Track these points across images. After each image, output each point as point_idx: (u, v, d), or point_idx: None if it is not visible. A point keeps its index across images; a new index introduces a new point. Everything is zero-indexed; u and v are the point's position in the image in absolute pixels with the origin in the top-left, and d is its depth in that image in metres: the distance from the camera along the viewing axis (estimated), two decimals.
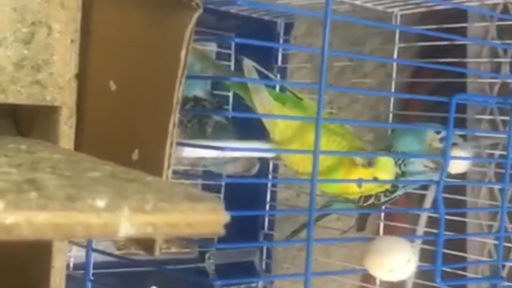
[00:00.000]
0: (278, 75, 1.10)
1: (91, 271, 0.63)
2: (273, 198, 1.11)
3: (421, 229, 1.01)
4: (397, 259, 0.55)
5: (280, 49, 1.13)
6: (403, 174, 0.88)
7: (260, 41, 0.61)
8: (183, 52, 0.43)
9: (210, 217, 0.34)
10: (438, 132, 0.84)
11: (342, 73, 1.29)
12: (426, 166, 0.86)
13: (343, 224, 1.02)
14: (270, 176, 1.06)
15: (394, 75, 1.05)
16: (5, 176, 0.34)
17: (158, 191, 0.35)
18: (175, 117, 0.44)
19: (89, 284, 0.63)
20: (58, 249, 0.54)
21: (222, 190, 1.03)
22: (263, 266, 1.09)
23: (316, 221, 0.97)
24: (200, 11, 0.42)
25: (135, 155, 0.47)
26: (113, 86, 0.51)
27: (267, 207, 1.09)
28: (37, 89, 0.54)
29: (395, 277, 0.57)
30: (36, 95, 0.54)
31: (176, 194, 0.34)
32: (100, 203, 0.31)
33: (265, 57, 1.05)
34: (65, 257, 0.55)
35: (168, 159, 0.44)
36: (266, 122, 0.78)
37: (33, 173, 0.36)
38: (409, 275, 0.57)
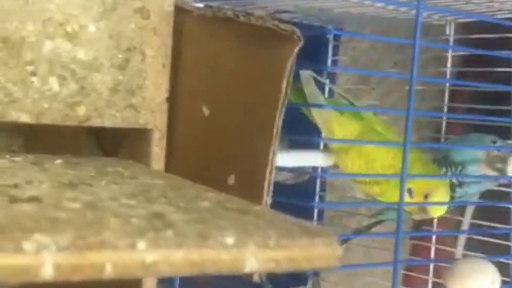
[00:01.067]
0: (327, 81, 1.12)
1: None
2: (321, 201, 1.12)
3: (460, 250, 1.01)
4: (481, 281, 0.55)
5: (330, 55, 1.14)
6: (461, 184, 0.88)
7: (311, 46, 0.62)
8: (284, 84, 0.44)
9: (327, 251, 0.35)
10: (494, 141, 0.85)
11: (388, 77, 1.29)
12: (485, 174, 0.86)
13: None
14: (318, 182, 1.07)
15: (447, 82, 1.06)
16: (131, 210, 0.36)
17: (275, 225, 0.36)
18: (274, 146, 0.45)
19: None
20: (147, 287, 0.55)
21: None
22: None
23: (368, 228, 0.98)
24: (301, 43, 0.44)
25: (231, 180, 0.49)
26: (206, 111, 0.53)
27: (315, 211, 1.10)
28: (131, 113, 0.56)
29: None
30: (130, 118, 0.56)
31: (294, 228, 0.36)
32: (229, 240, 0.33)
33: (315, 63, 1.06)
34: None
35: (268, 187, 0.45)
36: (324, 130, 0.79)
37: (152, 205, 0.38)
38: None
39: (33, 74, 0.51)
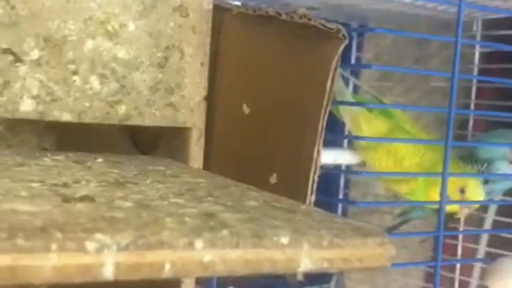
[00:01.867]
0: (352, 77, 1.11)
1: None
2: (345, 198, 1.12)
3: (482, 247, 1.00)
4: None
5: (354, 50, 1.14)
6: (487, 182, 0.87)
7: None
8: (329, 82, 0.44)
9: (380, 251, 0.35)
10: None
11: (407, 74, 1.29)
12: None
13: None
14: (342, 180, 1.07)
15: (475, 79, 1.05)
16: (181, 209, 0.36)
17: (327, 224, 0.36)
18: (319, 145, 0.45)
19: None
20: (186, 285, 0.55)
21: None
22: None
23: (394, 228, 0.98)
24: (346, 41, 0.44)
25: (273, 179, 0.49)
26: (246, 109, 0.52)
27: (340, 208, 1.09)
28: (170, 112, 0.56)
29: None
30: (169, 117, 0.56)
31: (346, 228, 0.36)
32: (284, 240, 0.33)
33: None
34: None
35: (312, 186, 0.45)
36: (352, 127, 0.79)
37: (201, 204, 0.38)
38: None
39: (75, 73, 0.51)
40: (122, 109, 0.54)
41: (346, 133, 0.82)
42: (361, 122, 0.92)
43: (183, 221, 0.33)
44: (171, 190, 0.42)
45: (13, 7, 0.49)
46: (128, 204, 0.36)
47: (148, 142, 0.65)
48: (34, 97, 0.50)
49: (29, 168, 0.45)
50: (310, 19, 0.45)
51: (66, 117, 0.51)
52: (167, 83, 0.55)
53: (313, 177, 0.45)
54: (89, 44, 0.52)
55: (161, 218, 0.33)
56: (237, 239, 0.32)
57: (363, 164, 0.98)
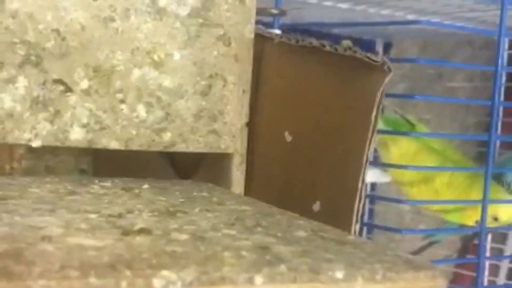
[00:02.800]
0: None
1: None
2: (370, 216, 1.13)
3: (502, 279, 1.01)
4: None
5: None
6: None
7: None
8: (373, 114, 0.45)
9: (431, 285, 0.36)
10: None
11: (432, 84, 1.30)
12: None
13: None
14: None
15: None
16: (235, 241, 0.37)
17: (378, 257, 0.37)
18: (364, 175, 0.46)
19: None
20: None
21: None
22: None
23: (422, 250, 0.98)
24: (391, 74, 0.44)
25: (316, 207, 0.49)
26: (288, 137, 0.53)
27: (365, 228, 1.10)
28: (213, 138, 0.57)
29: None
30: (212, 143, 0.57)
31: (398, 261, 0.36)
32: (339, 274, 0.33)
33: None
34: None
35: (357, 215, 0.46)
36: (380, 147, 0.80)
37: (253, 236, 0.39)
38: None
39: (122, 101, 0.53)
40: (167, 136, 0.55)
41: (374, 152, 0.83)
42: (389, 141, 0.93)
43: (241, 255, 0.34)
44: (220, 220, 0.43)
45: (63, 39, 0.50)
46: (184, 236, 0.37)
47: (188, 166, 0.66)
48: (83, 126, 0.51)
49: (81, 197, 0.46)
50: (355, 52, 0.46)
51: (114, 144, 0.53)
52: (210, 111, 0.56)
53: (358, 206, 0.46)
54: (136, 73, 0.53)
55: (220, 252, 0.34)
56: (294, 274, 0.32)
57: (393, 183, 0.99)
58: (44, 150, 0.69)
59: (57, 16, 0.50)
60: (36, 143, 0.50)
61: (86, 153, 0.72)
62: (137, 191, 0.51)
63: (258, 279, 0.31)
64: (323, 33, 1.11)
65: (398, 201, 0.73)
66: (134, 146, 0.54)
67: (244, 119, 0.58)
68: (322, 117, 0.50)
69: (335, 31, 1.10)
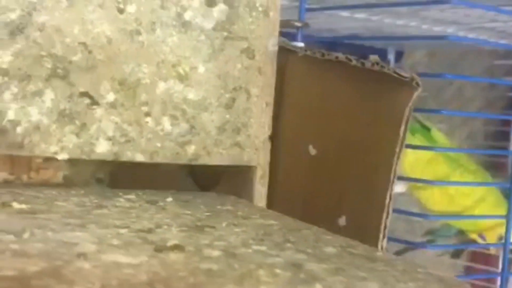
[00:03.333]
0: None
1: None
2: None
3: None
4: None
5: None
6: None
7: None
8: (402, 129, 0.45)
9: None
10: None
11: (446, 98, 1.30)
12: None
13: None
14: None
15: None
16: (267, 258, 0.37)
17: (411, 275, 0.37)
18: (391, 190, 0.46)
19: None
20: None
21: None
22: None
23: (420, 246, 0.97)
24: (420, 90, 0.44)
25: (342, 221, 0.49)
26: (313, 150, 0.53)
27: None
28: (236, 151, 0.57)
29: None
30: (235, 156, 0.57)
31: (430, 279, 0.36)
32: None
33: None
34: None
35: (384, 230, 0.46)
36: None
37: (283, 252, 0.39)
38: None
39: (147, 114, 0.53)
40: (191, 149, 0.55)
41: None
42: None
43: (275, 274, 0.34)
44: (249, 235, 0.43)
45: (90, 52, 0.50)
46: (216, 253, 0.37)
47: (209, 178, 0.66)
48: (109, 139, 0.52)
49: (109, 210, 0.46)
50: (383, 67, 0.46)
51: (139, 157, 0.53)
52: (234, 123, 0.56)
53: (385, 221, 0.46)
54: (161, 86, 0.53)
55: (254, 270, 0.34)
56: None
57: (408, 193, 0.99)
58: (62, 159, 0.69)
59: (83, 29, 0.50)
60: (62, 156, 0.50)
61: (104, 163, 0.72)
62: (161, 204, 0.51)
63: None
64: (336, 43, 1.11)
65: (420, 215, 0.73)
66: (159, 159, 0.54)
67: (267, 132, 0.58)
68: (347, 131, 0.50)
69: (347, 41, 1.10)
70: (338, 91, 0.52)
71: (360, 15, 0.94)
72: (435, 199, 0.96)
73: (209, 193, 0.61)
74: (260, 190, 0.58)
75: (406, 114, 0.45)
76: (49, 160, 0.64)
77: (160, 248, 0.36)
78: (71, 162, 0.70)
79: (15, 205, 0.43)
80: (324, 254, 0.40)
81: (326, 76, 0.53)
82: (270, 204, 0.58)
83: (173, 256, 0.35)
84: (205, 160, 0.56)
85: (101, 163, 0.72)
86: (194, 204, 0.53)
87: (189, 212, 0.49)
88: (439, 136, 0.99)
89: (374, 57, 0.46)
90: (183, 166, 0.70)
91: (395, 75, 0.45)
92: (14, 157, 0.62)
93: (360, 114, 0.49)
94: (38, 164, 0.66)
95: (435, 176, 0.92)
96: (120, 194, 0.53)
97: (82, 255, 0.33)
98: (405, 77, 0.45)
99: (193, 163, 0.56)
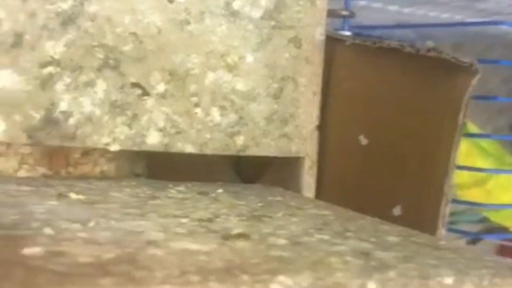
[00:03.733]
0: None
1: None
2: None
3: None
4: None
5: None
6: None
7: None
8: (461, 116, 0.44)
9: None
10: None
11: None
12: None
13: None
14: None
15: None
16: (333, 246, 0.36)
17: (480, 263, 0.36)
18: (451, 179, 0.45)
19: None
20: None
21: None
22: None
23: None
24: (479, 75, 0.44)
25: (397, 211, 0.49)
26: (364, 140, 0.53)
27: None
28: (284, 142, 0.56)
29: None
30: (283, 147, 0.56)
31: (500, 267, 0.36)
32: (448, 280, 0.33)
33: None
34: None
35: (442, 219, 0.45)
36: None
37: (347, 241, 0.38)
38: None
39: (197, 105, 0.52)
40: (240, 140, 0.54)
41: None
42: None
43: (346, 261, 0.33)
44: (308, 225, 0.42)
45: (141, 42, 0.50)
46: (281, 241, 0.36)
47: (254, 170, 0.65)
48: (160, 130, 0.51)
49: (163, 201, 0.46)
50: (440, 52, 0.45)
51: (189, 149, 0.52)
52: (282, 114, 0.56)
53: (444, 210, 0.45)
54: (210, 76, 0.53)
55: (325, 258, 0.33)
56: (405, 280, 0.32)
57: None
58: (99, 154, 0.69)
59: (134, 19, 0.50)
60: (114, 147, 0.50)
61: (140, 158, 0.72)
62: (213, 195, 0.50)
63: (371, 285, 0.31)
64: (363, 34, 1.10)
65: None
66: (208, 150, 0.53)
67: (315, 122, 0.57)
68: (402, 119, 0.50)
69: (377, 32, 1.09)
70: (390, 79, 0.51)
71: (393, 7, 0.93)
72: (473, 197, 0.95)
73: (255, 185, 0.61)
74: (309, 180, 0.58)
75: (465, 101, 0.44)
76: (87, 155, 0.64)
77: (226, 237, 0.36)
78: (108, 156, 0.70)
79: (73, 195, 0.43)
80: (387, 243, 0.39)
81: (377, 64, 0.53)
82: (319, 195, 0.57)
83: (241, 244, 0.34)
84: (254, 151, 0.55)
85: (137, 157, 0.72)
86: (244, 195, 0.52)
87: (242, 202, 0.48)
88: (474, 129, 0.98)
89: (429, 43, 0.45)
90: (224, 157, 0.69)
91: (453, 60, 0.44)
92: (52, 152, 0.62)
93: (415, 101, 0.48)
94: (76, 159, 0.66)
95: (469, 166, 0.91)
96: (170, 185, 0.53)
97: (152, 243, 0.32)
98: (464, 63, 0.44)
99: (242, 154, 0.55)
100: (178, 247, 0.32)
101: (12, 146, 0.54)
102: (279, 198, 0.52)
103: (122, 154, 0.71)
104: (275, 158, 0.59)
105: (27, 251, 0.28)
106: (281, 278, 0.29)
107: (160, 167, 0.70)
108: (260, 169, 0.65)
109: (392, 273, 0.32)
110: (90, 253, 0.29)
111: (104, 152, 0.64)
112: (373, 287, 0.31)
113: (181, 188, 0.52)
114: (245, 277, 0.28)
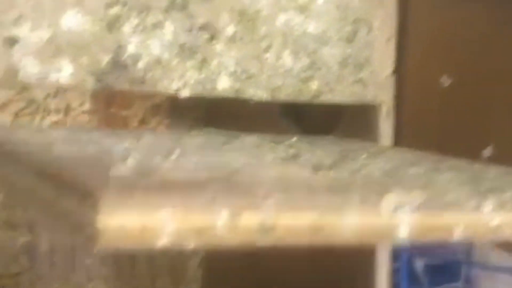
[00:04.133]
0: None
1: None
2: None
3: None
4: None
5: None
6: None
7: None
8: None
9: None
10: None
11: None
12: None
13: None
14: None
15: None
16: (433, 177, 0.34)
17: None
18: None
19: None
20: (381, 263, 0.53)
21: None
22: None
23: None
24: None
25: (487, 152, 0.45)
26: (446, 81, 0.49)
27: None
28: (359, 88, 0.53)
29: None
30: (358, 94, 0.53)
31: None
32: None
33: None
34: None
35: None
36: None
37: (443, 174, 0.35)
38: None
39: (267, 49, 0.50)
40: (314, 85, 0.51)
41: None
42: None
43: (456, 186, 0.30)
44: (395, 163, 0.40)
45: None
46: (377, 172, 0.34)
47: (318, 121, 0.62)
48: (230, 75, 0.49)
49: (240, 144, 0.43)
50: None
51: (260, 95, 0.50)
52: (356, 59, 0.53)
53: None
54: (281, 18, 0.50)
55: (434, 180, 0.30)
56: None
57: None
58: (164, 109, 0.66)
59: None
60: (184, 93, 0.48)
61: (200, 108, 0.68)
62: (287, 143, 0.48)
63: (487, 206, 0.28)
64: None
65: None
66: (281, 96, 0.50)
67: (391, 67, 0.54)
68: (490, 59, 0.46)
69: None
70: (473, 19, 0.48)
71: None
72: None
73: (329, 136, 0.58)
74: (386, 129, 0.54)
75: None
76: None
77: (318, 167, 0.33)
78: (173, 105, 0.67)
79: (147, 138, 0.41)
80: (488, 175, 0.36)
81: (457, 4, 0.49)
82: (398, 142, 0.54)
83: (334, 173, 0.32)
84: (328, 98, 0.53)
85: (197, 107, 0.68)
86: (319, 144, 0.49)
87: (320, 149, 0.46)
88: None
89: None
90: (288, 108, 0.66)
91: None
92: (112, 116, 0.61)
93: (503, 40, 0.45)
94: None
95: None
96: (241, 136, 0.50)
97: (243, 169, 0.30)
98: None
99: (316, 100, 0.52)
100: (272, 174, 0.30)
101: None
102: (357, 146, 0.49)
103: (184, 103, 0.68)
104: (345, 108, 0.56)
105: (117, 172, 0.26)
106: (393, 195, 0.26)
107: (219, 117, 0.67)
108: (329, 121, 0.62)
109: (508, 195, 0.29)
110: (180, 175, 0.27)
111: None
112: (489, 208, 0.28)
113: (253, 138, 0.50)
114: (354, 196, 0.26)
